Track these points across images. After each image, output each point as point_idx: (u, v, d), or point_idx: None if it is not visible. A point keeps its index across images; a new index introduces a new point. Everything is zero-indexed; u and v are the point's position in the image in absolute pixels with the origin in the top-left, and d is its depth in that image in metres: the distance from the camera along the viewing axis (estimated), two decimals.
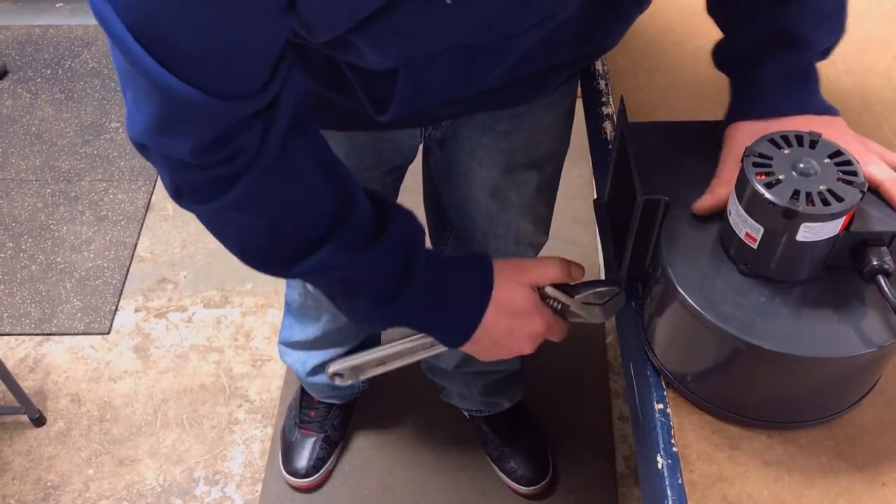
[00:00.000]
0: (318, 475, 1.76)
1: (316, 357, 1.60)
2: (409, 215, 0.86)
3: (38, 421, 1.86)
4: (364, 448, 1.83)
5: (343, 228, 0.79)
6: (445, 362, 1.57)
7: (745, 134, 0.81)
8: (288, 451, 1.78)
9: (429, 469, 1.79)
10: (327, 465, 1.78)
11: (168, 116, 0.65)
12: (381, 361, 0.92)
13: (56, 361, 1.98)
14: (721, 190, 0.79)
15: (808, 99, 0.84)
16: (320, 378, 1.65)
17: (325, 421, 1.78)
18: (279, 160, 0.73)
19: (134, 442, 1.85)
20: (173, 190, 0.75)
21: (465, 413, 1.81)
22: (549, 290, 0.89)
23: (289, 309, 1.58)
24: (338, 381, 0.93)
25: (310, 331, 1.54)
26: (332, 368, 0.93)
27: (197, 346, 2.01)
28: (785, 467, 0.77)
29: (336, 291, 0.87)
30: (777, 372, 0.74)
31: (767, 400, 0.78)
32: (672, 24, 0.98)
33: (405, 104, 0.85)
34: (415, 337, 0.92)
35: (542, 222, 1.30)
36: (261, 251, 0.81)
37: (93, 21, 2.94)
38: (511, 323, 0.88)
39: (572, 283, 0.90)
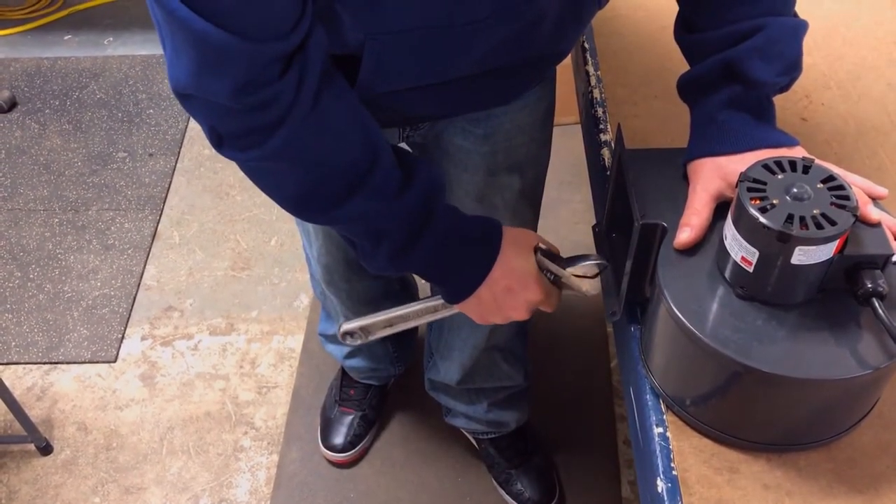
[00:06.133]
0: (354, 451, 1.83)
1: (349, 345, 1.71)
2: (431, 166, 0.90)
3: (45, 449, 1.86)
4: (369, 475, 1.83)
5: (373, 176, 0.84)
6: (448, 377, 1.57)
7: (708, 169, 0.86)
8: (327, 427, 1.86)
9: (434, 495, 1.79)
10: (363, 442, 1.85)
11: (206, 60, 0.71)
12: (389, 323, 1.00)
13: (63, 390, 1.99)
14: (695, 219, 0.82)
15: (765, 134, 0.87)
16: (356, 361, 1.77)
17: (364, 400, 1.86)
18: (314, 110, 0.78)
19: (140, 470, 1.85)
20: (214, 138, 0.79)
21: (472, 438, 1.81)
22: (544, 262, 0.95)
23: (322, 305, 1.70)
24: (349, 341, 1.00)
25: (335, 327, 1.65)
26: (344, 328, 0.99)
27: (203, 373, 2.02)
28: (784, 490, 0.77)
29: (363, 239, 0.91)
30: (775, 394, 0.75)
31: (766, 423, 0.78)
32: (669, 52, 1.00)
33: (370, 81, 0.88)
34: (420, 301, 0.99)
35: (528, 227, 1.33)
36: (299, 198, 0.86)
37: (101, 53, 2.98)
38: (512, 283, 0.93)
39: (564, 257, 0.96)
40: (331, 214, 0.86)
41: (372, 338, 1.00)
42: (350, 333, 1.00)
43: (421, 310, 0.99)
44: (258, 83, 0.73)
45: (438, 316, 0.99)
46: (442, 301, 0.97)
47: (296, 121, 0.77)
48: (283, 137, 0.77)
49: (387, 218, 0.87)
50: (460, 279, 0.94)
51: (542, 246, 0.96)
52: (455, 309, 0.97)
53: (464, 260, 0.93)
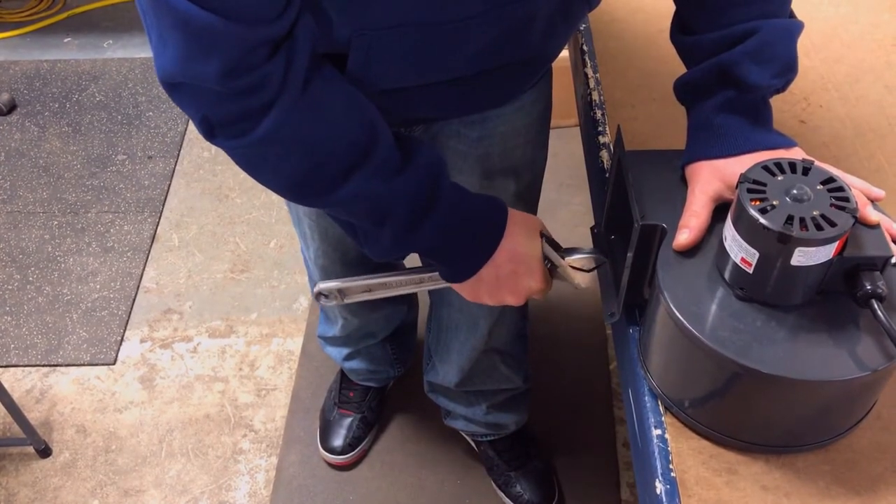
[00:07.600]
0: (353, 453, 1.84)
1: (349, 347, 1.73)
2: (431, 146, 0.90)
3: (44, 452, 1.86)
4: (368, 477, 1.83)
5: (372, 156, 0.83)
6: (447, 379, 1.57)
7: (706, 171, 0.86)
8: (326, 429, 1.86)
9: (434, 498, 1.78)
10: (363, 444, 1.86)
11: (192, 43, 0.71)
12: (368, 288, 0.98)
13: (62, 392, 1.99)
14: (694, 221, 0.82)
15: (762, 136, 0.87)
16: (355, 363, 1.77)
17: (363, 402, 1.87)
18: (304, 92, 0.77)
19: (139, 472, 1.85)
20: (206, 128, 0.79)
21: (471, 440, 1.81)
22: (546, 248, 0.94)
23: (321, 307, 1.70)
24: (323, 302, 0.98)
25: (335, 329, 1.67)
26: (319, 287, 0.97)
27: (202, 376, 2.02)
28: (783, 492, 0.77)
29: (364, 222, 0.90)
30: (774, 395, 0.75)
31: (765, 424, 0.78)
32: (667, 55, 1.00)
33: (359, 79, 0.88)
34: (405, 272, 0.96)
35: None
36: (296, 183, 0.85)
37: (100, 55, 2.97)
38: (518, 267, 0.93)
39: (564, 247, 0.96)
40: (331, 197, 0.85)
41: (347, 300, 0.98)
42: (325, 294, 0.97)
43: (404, 280, 0.97)
44: (246, 67, 0.73)
45: (423, 287, 0.97)
46: (429, 274, 0.95)
47: (285, 104, 0.76)
48: (274, 121, 0.77)
49: (389, 198, 0.86)
50: (465, 259, 0.93)
51: (546, 233, 0.96)
52: (442, 283, 0.95)
53: (470, 239, 0.91)
